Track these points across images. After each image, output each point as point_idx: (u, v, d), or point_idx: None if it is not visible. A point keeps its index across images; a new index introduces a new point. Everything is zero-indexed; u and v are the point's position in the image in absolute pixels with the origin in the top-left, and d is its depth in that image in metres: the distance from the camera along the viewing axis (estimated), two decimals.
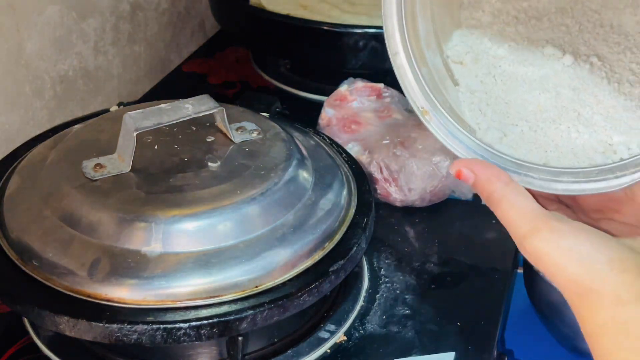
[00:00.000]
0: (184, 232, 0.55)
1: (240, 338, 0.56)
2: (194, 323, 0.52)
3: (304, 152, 0.65)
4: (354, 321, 0.65)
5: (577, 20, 0.51)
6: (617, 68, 0.49)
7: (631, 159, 0.41)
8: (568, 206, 0.50)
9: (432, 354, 0.62)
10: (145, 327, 0.51)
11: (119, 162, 0.59)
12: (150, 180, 0.58)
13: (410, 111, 0.87)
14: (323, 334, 0.63)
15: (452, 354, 0.62)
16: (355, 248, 0.59)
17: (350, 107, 0.86)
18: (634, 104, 0.47)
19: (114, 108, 0.73)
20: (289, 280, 0.56)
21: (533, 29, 0.53)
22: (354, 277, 0.69)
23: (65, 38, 0.89)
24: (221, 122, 0.63)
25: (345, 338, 0.63)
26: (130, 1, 1.01)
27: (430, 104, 0.48)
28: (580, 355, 0.70)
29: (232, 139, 0.63)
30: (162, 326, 0.51)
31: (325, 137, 0.73)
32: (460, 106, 0.51)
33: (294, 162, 0.62)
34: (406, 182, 0.77)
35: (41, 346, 0.61)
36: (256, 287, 0.55)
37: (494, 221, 0.78)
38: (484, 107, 0.51)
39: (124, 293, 0.53)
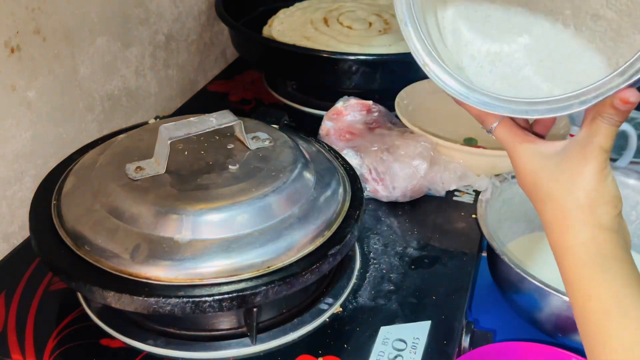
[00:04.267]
0: (209, 222, 0.55)
1: (255, 309, 0.56)
2: (217, 297, 0.52)
3: (307, 157, 0.65)
4: (348, 295, 0.65)
5: None
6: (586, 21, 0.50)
7: (591, 86, 0.42)
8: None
9: (412, 322, 0.62)
10: (177, 300, 0.51)
11: (156, 165, 0.59)
12: (181, 180, 0.58)
13: (394, 123, 0.87)
14: (323, 306, 0.63)
15: (429, 322, 0.62)
16: (349, 235, 0.59)
17: (345, 120, 0.86)
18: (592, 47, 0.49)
19: (151, 121, 0.73)
20: (295, 262, 0.56)
21: None
22: (348, 259, 0.69)
23: (111, 63, 0.89)
24: (239, 132, 0.63)
25: (341, 309, 0.63)
26: (165, 33, 1.01)
27: (430, 58, 0.49)
28: (533, 323, 0.70)
29: (249, 146, 0.63)
30: (191, 299, 0.51)
31: (324, 144, 0.73)
32: (460, 59, 0.53)
33: (299, 165, 0.62)
34: (391, 182, 0.77)
35: (92, 316, 0.61)
36: (268, 267, 0.55)
37: (462, 213, 0.78)
38: (478, 60, 0.53)
39: (160, 272, 0.53)
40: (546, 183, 0.46)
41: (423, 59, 0.49)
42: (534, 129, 0.51)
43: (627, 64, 0.40)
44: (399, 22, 0.49)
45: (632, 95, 0.41)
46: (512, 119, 0.50)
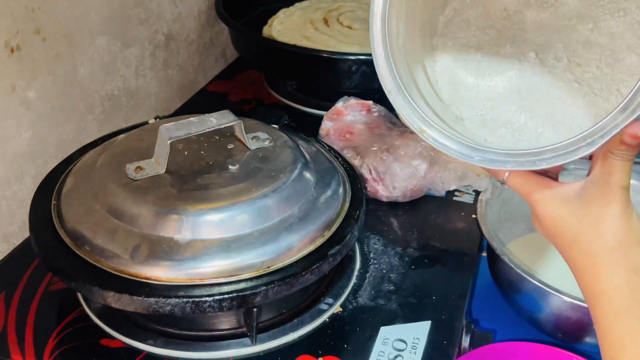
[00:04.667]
0: (209, 222, 0.55)
1: (255, 309, 0.56)
2: (217, 297, 0.52)
3: (307, 157, 0.65)
4: (348, 295, 0.65)
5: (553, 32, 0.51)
6: (577, 71, 0.49)
7: (596, 126, 0.41)
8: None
9: (412, 322, 0.62)
10: (177, 300, 0.51)
11: (156, 165, 0.59)
12: (181, 180, 0.58)
13: (394, 123, 0.87)
14: (323, 306, 0.63)
15: (429, 322, 0.62)
16: (349, 235, 0.59)
17: (345, 120, 0.86)
18: (588, 96, 0.48)
19: (151, 121, 0.73)
20: (295, 262, 0.56)
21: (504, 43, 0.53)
22: (348, 259, 0.69)
23: (111, 63, 0.89)
24: (239, 132, 0.63)
25: (341, 309, 0.63)
26: (165, 33, 1.01)
27: (425, 124, 0.48)
28: (533, 323, 0.70)
29: (249, 147, 0.63)
30: (190, 300, 0.52)
31: (324, 144, 0.73)
32: (459, 111, 0.51)
33: (299, 165, 0.62)
34: (391, 182, 0.77)
35: (92, 316, 0.61)
36: (268, 267, 0.55)
37: (462, 213, 0.78)
38: (477, 109, 0.51)
39: (160, 272, 0.53)
40: (570, 228, 0.45)
41: (419, 126, 0.48)
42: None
43: (628, 98, 0.39)
44: (386, 94, 0.48)
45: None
46: None
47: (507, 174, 0.48)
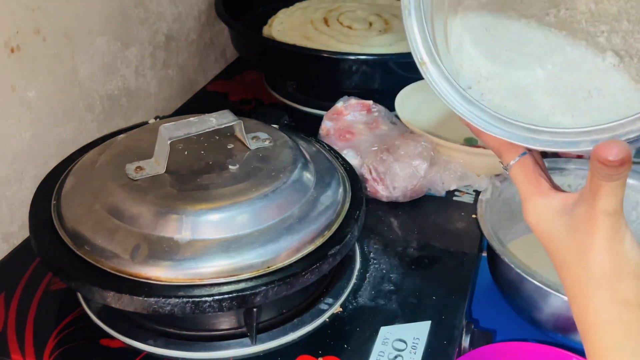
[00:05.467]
0: (209, 222, 0.55)
1: (254, 309, 0.56)
2: (216, 297, 0.52)
3: (307, 157, 0.65)
4: (348, 295, 0.65)
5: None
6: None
7: (608, 124, 0.35)
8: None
9: (412, 322, 0.62)
10: (177, 300, 0.51)
11: (156, 165, 0.59)
12: (181, 180, 0.58)
13: (394, 123, 0.87)
14: (323, 306, 0.63)
15: (429, 322, 0.62)
16: (349, 236, 0.59)
17: (345, 120, 0.86)
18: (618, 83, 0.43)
19: (151, 121, 0.73)
20: (295, 262, 0.56)
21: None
22: (348, 259, 0.69)
23: (111, 63, 0.89)
24: (239, 132, 0.63)
25: (341, 309, 0.63)
26: (165, 33, 1.01)
27: (430, 58, 0.43)
28: (533, 323, 0.70)
29: (249, 146, 0.63)
30: (190, 300, 0.51)
31: (324, 144, 0.73)
32: (461, 65, 0.47)
33: (299, 165, 0.62)
34: (391, 182, 0.77)
35: (92, 316, 0.61)
36: (268, 267, 0.55)
37: (462, 213, 0.78)
38: (485, 72, 0.47)
39: (160, 273, 0.53)
40: (560, 248, 0.41)
41: (421, 57, 0.43)
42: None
43: None
44: (402, 9, 0.43)
45: (610, 153, 0.35)
46: (533, 159, 0.44)
47: (513, 161, 0.44)
